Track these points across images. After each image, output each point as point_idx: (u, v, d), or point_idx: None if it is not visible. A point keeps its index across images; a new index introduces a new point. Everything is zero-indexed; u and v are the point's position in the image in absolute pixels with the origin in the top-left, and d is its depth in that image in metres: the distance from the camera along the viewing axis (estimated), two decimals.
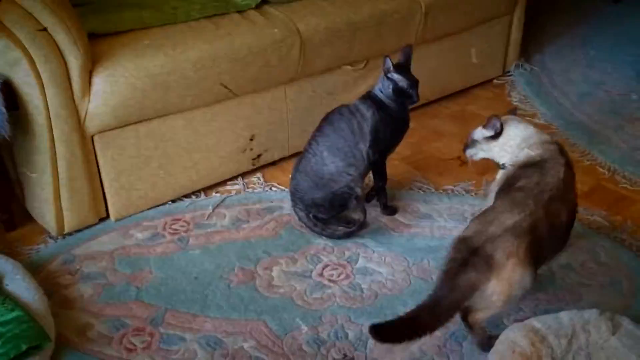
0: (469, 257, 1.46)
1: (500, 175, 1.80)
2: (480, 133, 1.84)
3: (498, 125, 1.77)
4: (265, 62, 2.16)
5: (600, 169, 2.39)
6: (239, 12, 2.23)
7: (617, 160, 2.43)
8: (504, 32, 3.04)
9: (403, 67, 1.99)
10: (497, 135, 1.78)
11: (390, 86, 1.96)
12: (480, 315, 1.56)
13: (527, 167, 1.69)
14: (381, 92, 2.00)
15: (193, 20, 2.13)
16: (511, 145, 1.76)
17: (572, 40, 3.52)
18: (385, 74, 1.98)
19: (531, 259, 1.49)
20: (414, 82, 1.98)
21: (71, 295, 1.78)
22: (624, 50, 3.38)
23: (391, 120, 2.00)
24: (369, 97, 2.01)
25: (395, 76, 1.96)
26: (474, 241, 1.49)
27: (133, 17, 2.06)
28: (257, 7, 2.27)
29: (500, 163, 1.80)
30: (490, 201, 1.75)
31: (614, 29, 3.67)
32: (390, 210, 2.14)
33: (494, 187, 1.79)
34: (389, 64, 1.96)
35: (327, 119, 2.01)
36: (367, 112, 1.98)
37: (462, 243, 1.51)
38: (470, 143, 1.88)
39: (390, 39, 2.50)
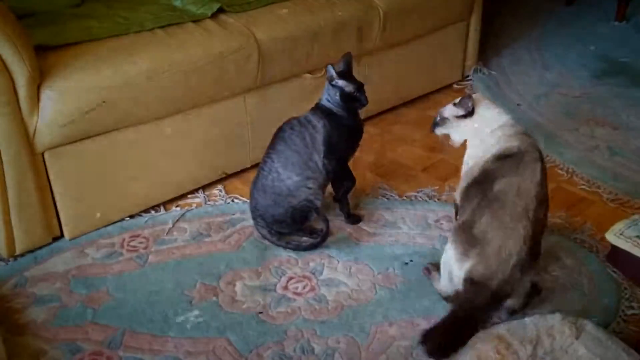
0: (491, 302, 1.58)
1: (472, 161, 1.76)
2: (450, 111, 1.82)
3: (470, 104, 1.76)
4: (222, 72, 2.12)
5: (559, 171, 2.43)
6: (194, 21, 2.18)
7: (575, 161, 2.47)
8: (461, 37, 3.07)
9: (346, 73, 2.00)
10: (468, 114, 1.77)
11: (337, 93, 1.97)
12: None
13: (503, 159, 1.68)
14: (329, 101, 1.99)
15: (146, 31, 2.07)
16: (485, 131, 1.75)
17: (528, 43, 3.59)
18: (330, 82, 1.98)
19: None
20: (359, 86, 1.99)
21: (23, 320, 1.70)
22: (577, 51, 3.46)
23: (343, 128, 1.99)
24: (318, 108, 2.01)
25: (340, 82, 1.97)
26: (491, 284, 1.58)
27: (82, 28, 1.99)
28: (213, 16, 2.22)
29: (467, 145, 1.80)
30: (459, 192, 1.76)
31: (567, 30, 3.75)
32: (354, 219, 2.12)
33: (466, 176, 1.77)
34: (332, 71, 1.97)
35: (278, 134, 1.98)
36: (318, 123, 1.96)
37: (478, 286, 1.59)
38: (439, 121, 1.85)
39: (349, 45, 2.49)
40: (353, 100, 1.99)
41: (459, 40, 3.06)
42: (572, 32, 3.73)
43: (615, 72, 3.22)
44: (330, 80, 1.98)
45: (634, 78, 3.16)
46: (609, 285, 1.86)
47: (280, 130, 1.98)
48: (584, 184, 2.35)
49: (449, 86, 3.09)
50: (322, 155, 1.95)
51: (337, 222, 2.12)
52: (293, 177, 1.93)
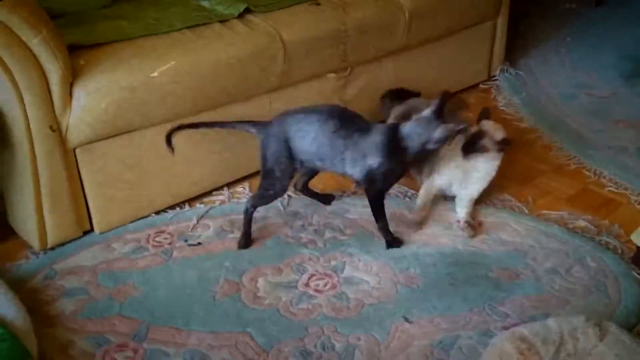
0: None
1: None
2: (492, 146, 2.09)
3: (510, 142, 2.11)
4: (248, 72, 2.15)
5: (587, 172, 2.40)
6: (222, 21, 2.21)
7: (603, 163, 2.44)
8: (488, 37, 3.05)
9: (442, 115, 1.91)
10: None
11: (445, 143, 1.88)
12: None
13: None
14: (418, 138, 1.87)
15: (175, 31, 2.11)
16: None
17: (556, 44, 3.54)
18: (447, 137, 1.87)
19: None
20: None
21: (53, 312, 1.75)
22: (606, 52, 3.40)
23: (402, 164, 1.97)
24: (390, 136, 1.89)
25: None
26: None
27: (114, 28, 2.04)
28: (240, 16, 2.25)
29: None
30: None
31: (595, 31, 3.69)
32: (391, 242, 2.02)
33: None
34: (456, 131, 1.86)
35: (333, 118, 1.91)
36: (377, 153, 1.88)
37: None
38: (479, 149, 2.07)
39: (374, 45, 2.50)
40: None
41: (486, 40, 3.04)
42: (600, 32, 3.67)
43: None
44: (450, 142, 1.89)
45: None
46: (633, 287, 1.83)
47: (342, 127, 1.90)
48: (611, 186, 2.31)
49: (476, 86, 3.08)
50: (359, 177, 1.93)
51: (359, 220, 2.13)
52: (309, 148, 1.90)
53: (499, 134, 2.08)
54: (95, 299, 1.80)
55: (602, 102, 2.89)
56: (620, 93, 2.98)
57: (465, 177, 2.11)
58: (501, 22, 3.06)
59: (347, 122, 1.92)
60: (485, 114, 2.16)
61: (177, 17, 2.16)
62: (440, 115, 1.89)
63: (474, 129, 2.07)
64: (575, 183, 2.34)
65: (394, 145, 1.89)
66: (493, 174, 2.11)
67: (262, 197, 1.99)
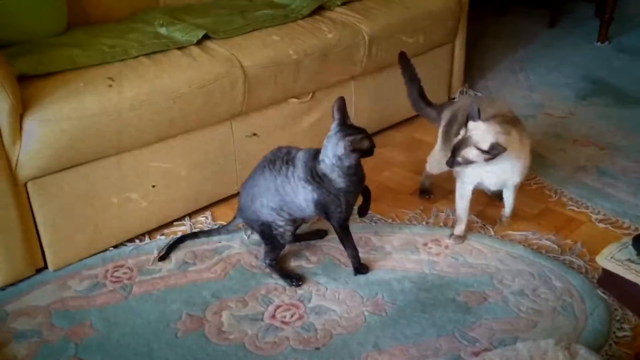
0: None
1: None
2: (478, 157, 1.88)
3: (502, 149, 1.84)
4: (208, 99, 2.11)
5: (547, 192, 2.43)
6: (180, 48, 2.17)
7: (563, 182, 2.47)
8: (447, 60, 3.09)
9: (353, 128, 1.82)
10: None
11: (356, 156, 1.80)
12: None
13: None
14: (334, 165, 1.81)
15: (131, 58, 2.06)
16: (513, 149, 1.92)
17: (512, 64, 3.62)
18: (352, 151, 1.77)
19: None
20: (368, 133, 1.84)
21: (4, 357, 1.65)
22: (562, 73, 3.49)
23: (342, 192, 1.85)
24: (312, 170, 1.84)
25: (357, 144, 1.78)
26: None
27: (65, 57, 1.98)
28: (199, 43, 2.22)
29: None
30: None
31: (551, 52, 3.79)
32: (362, 270, 1.99)
33: None
34: (354, 141, 1.77)
35: (263, 162, 1.94)
36: (307, 187, 1.85)
37: None
38: (463, 162, 1.92)
39: (335, 70, 2.50)
40: (368, 152, 1.83)
41: (445, 63, 3.08)
42: (555, 53, 3.77)
43: (599, 93, 3.26)
44: (352, 148, 1.77)
45: (619, 98, 3.19)
46: (600, 307, 1.84)
47: (267, 160, 1.92)
48: (572, 205, 2.34)
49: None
50: (312, 211, 1.89)
51: (324, 247, 2.09)
52: (270, 203, 1.91)
53: (487, 140, 1.85)
54: (49, 341, 1.71)
55: (560, 122, 2.95)
56: (578, 113, 3.04)
57: (494, 172, 1.99)
58: (459, 44, 3.10)
59: (276, 160, 1.91)
60: (473, 114, 1.89)
61: (133, 45, 2.11)
62: (343, 126, 1.81)
63: (459, 136, 1.92)
64: (537, 203, 2.36)
65: (315, 174, 1.84)
66: (525, 161, 1.99)
67: (273, 249, 1.96)
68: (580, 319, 1.80)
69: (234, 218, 2.08)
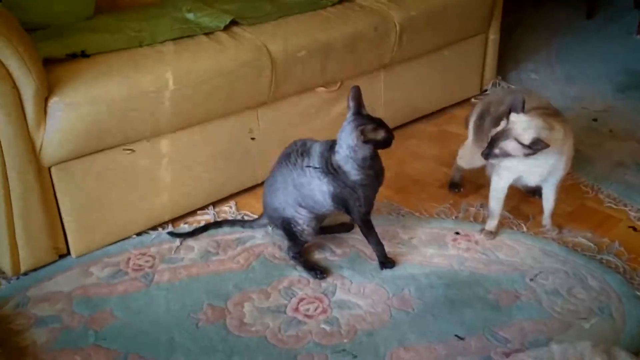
0: None
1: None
2: (518, 150, 1.79)
3: (543, 145, 1.75)
4: (234, 85, 2.06)
5: (584, 188, 2.33)
6: (207, 34, 2.13)
7: (600, 178, 2.37)
8: (480, 50, 3.00)
9: (369, 118, 1.73)
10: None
11: (371, 147, 1.72)
12: None
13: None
14: (350, 158, 1.73)
15: (158, 43, 2.03)
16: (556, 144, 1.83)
17: (548, 56, 3.50)
18: (364, 141, 1.70)
19: None
20: (385, 125, 1.73)
21: (24, 343, 1.63)
22: (598, 65, 3.37)
23: (359, 185, 1.78)
24: (329, 160, 1.76)
25: (371, 134, 1.69)
26: None
27: (93, 41, 1.95)
28: (226, 28, 2.18)
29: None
30: None
31: (588, 44, 3.66)
32: (388, 263, 1.93)
33: None
34: (366, 128, 1.68)
35: (282, 157, 1.88)
36: (323, 179, 1.78)
37: None
38: (500, 154, 1.82)
39: (365, 58, 2.43)
40: (385, 144, 1.74)
41: (477, 54, 2.99)
42: (593, 45, 3.64)
43: (638, 86, 3.12)
44: (365, 138, 1.69)
45: None
46: (638, 309, 1.75)
47: (284, 155, 1.88)
48: (610, 202, 2.24)
49: (467, 100, 3.01)
50: (331, 205, 1.82)
51: (350, 239, 2.04)
52: (288, 199, 1.86)
53: (529, 134, 1.75)
54: (69, 328, 1.69)
55: (597, 116, 2.83)
56: (616, 107, 2.92)
57: (536, 168, 1.89)
58: (493, 35, 3.01)
59: (291, 153, 1.85)
60: (516, 105, 1.78)
61: (161, 30, 2.08)
62: (358, 116, 1.73)
63: (498, 127, 1.82)
64: (572, 199, 2.26)
65: (330, 165, 1.77)
66: (569, 156, 1.90)
67: (295, 244, 1.91)
68: (618, 322, 1.71)
69: (261, 216, 2.04)
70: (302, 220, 1.86)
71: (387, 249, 1.98)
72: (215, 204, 2.23)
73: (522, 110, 1.79)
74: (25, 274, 1.88)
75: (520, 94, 1.86)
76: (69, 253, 1.95)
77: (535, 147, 1.75)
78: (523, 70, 3.32)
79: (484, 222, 2.12)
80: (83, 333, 1.67)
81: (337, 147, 1.77)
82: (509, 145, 1.79)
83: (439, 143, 2.66)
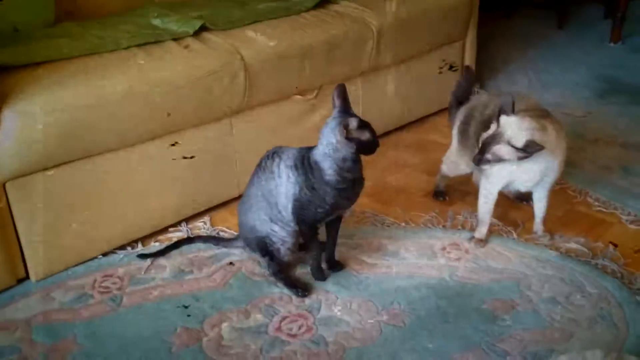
0: None
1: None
2: (511, 154, 1.70)
3: (537, 147, 1.66)
4: (206, 93, 1.94)
5: (571, 193, 2.26)
6: (175, 40, 2.02)
7: (587, 183, 2.30)
8: (457, 58, 2.94)
9: (355, 116, 1.63)
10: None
11: (354, 147, 1.59)
12: None
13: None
14: (329, 157, 1.61)
15: (122, 49, 1.91)
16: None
17: (523, 65, 3.48)
18: (346, 137, 1.58)
19: None
20: (372, 128, 1.63)
21: None
22: (575, 72, 3.36)
23: (333, 190, 1.64)
24: (306, 160, 1.65)
25: (355, 133, 1.58)
26: None
27: (50, 47, 1.82)
28: (196, 34, 2.07)
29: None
30: None
31: (562, 53, 3.66)
32: (318, 274, 1.81)
33: None
34: (350, 123, 1.57)
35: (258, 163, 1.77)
36: (295, 178, 1.66)
37: None
38: (493, 160, 1.74)
39: (342, 65, 2.34)
40: (369, 148, 1.63)
41: (455, 61, 2.93)
42: (567, 53, 3.64)
43: (617, 92, 3.11)
44: (348, 134, 1.59)
45: (637, 96, 3.04)
46: None
47: (256, 166, 1.76)
48: (599, 206, 2.17)
49: (446, 109, 2.94)
50: (290, 212, 1.69)
51: (336, 252, 1.91)
52: (260, 213, 1.74)
53: (522, 136, 1.67)
54: (28, 359, 1.52)
55: (579, 121, 2.79)
56: (596, 112, 2.89)
57: (528, 172, 1.79)
58: (470, 42, 2.96)
59: (262, 161, 1.75)
60: (506, 107, 1.70)
61: (125, 35, 1.96)
62: (344, 113, 1.62)
63: (489, 131, 1.74)
64: (561, 204, 2.18)
65: (305, 160, 1.65)
66: (562, 158, 1.81)
67: (274, 263, 1.79)
68: (621, 328, 1.62)
69: (237, 237, 1.90)
70: (277, 238, 1.74)
71: (373, 261, 1.87)
72: (188, 219, 2.09)
73: (513, 111, 1.71)
74: None
75: (509, 95, 1.79)
76: (27, 277, 1.79)
77: (529, 149, 1.66)
78: (500, 79, 3.29)
79: (472, 230, 2.02)
80: None
81: (318, 145, 1.65)
82: (501, 149, 1.70)
83: (420, 152, 2.58)
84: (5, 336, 1.59)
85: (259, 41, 2.10)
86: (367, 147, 1.63)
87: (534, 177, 1.82)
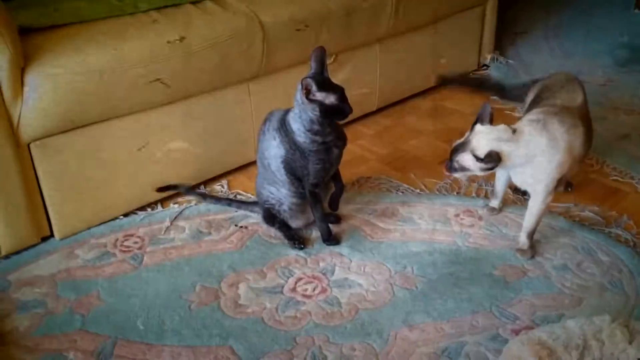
0: None
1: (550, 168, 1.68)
2: (474, 165, 1.64)
3: (496, 157, 1.60)
4: (224, 57, 1.96)
5: (588, 161, 2.25)
6: (193, 2, 2.02)
7: (604, 151, 2.29)
8: (477, 24, 2.91)
9: (324, 80, 1.61)
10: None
11: (316, 109, 1.60)
12: None
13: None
14: (300, 118, 1.64)
15: (141, 12, 1.91)
16: (520, 155, 1.64)
17: (545, 32, 3.42)
18: (307, 97, 1.60)
19: None
20: (341, 92, 1.61)
21: (6, 329, 1.53)
22: (596, 40, 3.29)
23: (312, 153, 1.67)
24: (285, 123, 1.69)
25: (318, 95, 1.59)
26: None
27: (70, 9, 1.83)
28: None
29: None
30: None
31: (584, 20, 3.58)
32: (332, 241, 1.84)
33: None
34: (311, 84, 1.58)
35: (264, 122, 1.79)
36: (280, 140, 1.70)
37: None
38: (459, 168, 1.68)
39: (359, 30, 2.33)
40: (336, 112, 1.62)
41: (475, 27, 2.90)
42: (590, 20, 3.56)
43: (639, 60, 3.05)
44: (308, 94, 1.59)
45: None
46: None
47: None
48: (616, 175, 2.17)
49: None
50: (283, 173, 1.73)
51: (349, 216, 1.95)
52: (260, 178, 1.80)
53: (485, 147, 1.61)
54: (54, 313, 1.59)
55: (599, 90, 2.75)
56: (617, 80, 2.85)
57: (518, 169, 1.71)
58: (490, 8, 2.92)
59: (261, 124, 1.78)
60: (483, 116, 1.66)
61: None
62: (316, 74, 1.61)
63: (461, 138, 1.69)
64: (577, 173, 2.18)
65: (284, 122, 1.68)
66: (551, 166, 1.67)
67: (283, 227, 1.87)
68: (631, 296, 1.64)
69: (255, 201, 1.94)
70: (274, 200, 1.79)
71: (387, 226, 1.90)
72: (206, 182, 2.13)
73: (490, 121, 1.65)
74: (6, 257, 1.77)
75: (563, 82, 1.84)
76: (52, 235, 1.85)
77: (487, 160, 1.60)
78: (520, 45, 3.24)
79: (487, 197, 2.04)
80: (68, 318, 1.57)
81: (288, 119, 1.69)
82: (464, 158, 1.64)
83: (437, 119, 2.57)
84: (31, 291, 1.65)
85: (277, 5, 2.09)
86: (332, 111, 1.61)
87: (522, 177, 1.73)
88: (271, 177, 1.77)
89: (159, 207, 2.01)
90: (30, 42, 1.68)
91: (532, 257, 1.78)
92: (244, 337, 1.52)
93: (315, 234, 1.88)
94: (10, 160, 1.68)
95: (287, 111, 1.72)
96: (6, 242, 1.76)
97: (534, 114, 1.71)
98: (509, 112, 2.52)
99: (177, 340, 1.51)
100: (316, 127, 1.64)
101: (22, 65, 1.63)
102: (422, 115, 2.61)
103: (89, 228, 1.88)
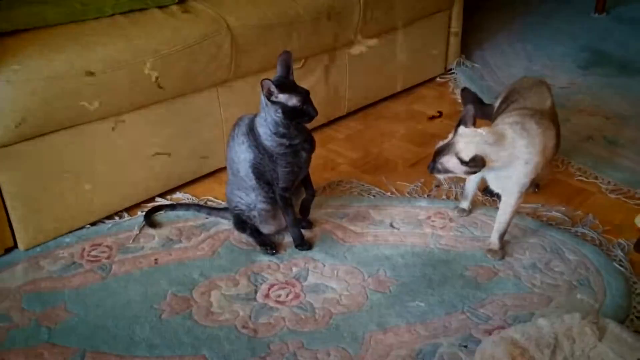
0: None
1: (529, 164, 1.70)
2: (459, 168, 1.64)
3: (481, 162, 1.61)
4: (192, 62, 1.93)
5: (553, 162, 2.29)
6: (160, 7, 1.99)
7: (569, 152, 2.34)
8: (444, 28, 2.94)
9: (287, 82, 1.62)
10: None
11: (279, 110, 1.60)
12: None
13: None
14: (265, 121, 1.64)
15: (106, 17, 1.88)
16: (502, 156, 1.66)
17: (509, 36, 3.49)
18: (268, 99, 1.60)
19: None
20: (305, 95, 1.61)
21: None
22: (560, 43, 3.37)
23: (279, 157, 1.67)
24: (251, 132, 1.69)
25: (281, 96, 1.59)
26: None
27: (33, 13, 1.79)
28: (180, 2, 2.04)
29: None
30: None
31: (548, 23, 3.67)
32: (304, 246, 1.83)
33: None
34: (270, 85, 1.58)
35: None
36: (248, 145, 1.70)
37: None
38: (442, 170, 1.68)
39: (328, 34, 2.33)
40: (300, 115, 1.62)
41: (441, 31, 2.93)
42: (552, 24, 3.64)
43: (601, 63, 3.13)
44: (269, 96, 1.59)
45: (621, 68, 3.07)
46: (618, 280, 1.72)
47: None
48: (581, 175, 2.21)
49: (433, 79, 2.96)
50: (252, 178, 1.73)
51: (321, 221, 1.94)
52: (230, 183, 1.80)
53: (470, 150, 1.62)
54: (19, 326, 1.54)
55: (562, 92, 2.82)
56: (580, 82, 2.92)
57: (494, 172, 1.72)
58: (456, 12, 2.95)
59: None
60: (466, 118, 1.66)
61: (108, 2, 1.92)
62: (284, 86, 1.60)
63: (445, 140, 1.69)
64: (546, 174, 2.22)
65: (252, 126, 1.68)
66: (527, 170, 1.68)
67: (255, 233, 1.86)
68: (599, 293, 1.68)
69: (226, 208, 1.92)
70: (244, 205, 1.79)
71: (359, 230, 1.90)
72: (175, 189, 2.10)
73: (473, 124, 1.66)
74: None
75: (531, 85, 1.85)
76: (16, 246, 1.80)
77: (471, 163, 1.61)
78: (486, 49, 3.29)
79: (457, 200, 2.06)
80: (34, 331, 1.52)
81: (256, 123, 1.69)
82: (448, 160, 1.65)
83: (408, 122, 2.59)
84: None
85: (245, 9, 2.08)
86: (295, 113, 1.61)
87: (498, 179, 1.76)
88: (240, 182, 1.75)
89: (126, 216, 1.97)
90: None
91: (503, 257, 1.80)
92: (217, 345, 1.50)
93: (287, 239, 1.87)
94: None
95: (255, 115, 1.71)
96: None
97: (511, 117, 1.73)
98: None
99: (148, 351, 1.48)
100: (282, 129, 1.64)
101: None
102: (392, 119, 2.62)
103: (54, 238, 1.83)
